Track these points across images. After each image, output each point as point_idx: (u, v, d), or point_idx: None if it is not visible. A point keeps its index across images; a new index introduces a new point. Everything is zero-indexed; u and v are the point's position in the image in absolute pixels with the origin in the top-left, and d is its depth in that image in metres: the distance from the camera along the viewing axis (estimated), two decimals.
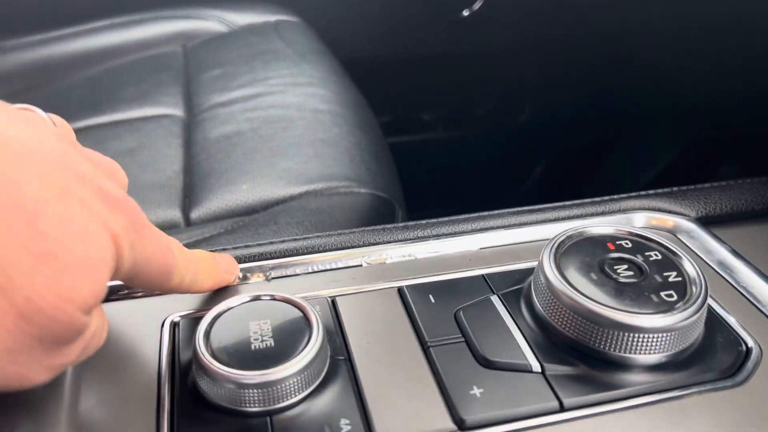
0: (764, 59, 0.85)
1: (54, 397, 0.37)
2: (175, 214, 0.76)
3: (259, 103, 0.98)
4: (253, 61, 1.10)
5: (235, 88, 1.03)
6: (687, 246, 0.52)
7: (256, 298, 0.40)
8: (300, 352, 0.36)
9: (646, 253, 0.43)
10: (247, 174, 0.81)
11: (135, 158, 0.88)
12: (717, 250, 0.51)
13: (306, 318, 0.39)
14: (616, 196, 0.57)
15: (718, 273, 0.48)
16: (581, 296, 0.40)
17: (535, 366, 0.40)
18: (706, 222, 0.54)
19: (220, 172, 0.82)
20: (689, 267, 0.42)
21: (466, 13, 1.64)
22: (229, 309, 0.39)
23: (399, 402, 0.38)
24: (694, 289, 0.41)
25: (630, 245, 0.44)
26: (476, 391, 0.38)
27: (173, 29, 1.27)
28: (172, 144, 0.91)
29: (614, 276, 0.41)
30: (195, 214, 0.77)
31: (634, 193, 0.57)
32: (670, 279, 0.41)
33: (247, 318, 0.39)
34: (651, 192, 0.57)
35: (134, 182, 0.83)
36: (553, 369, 0.40)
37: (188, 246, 0.45)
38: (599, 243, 0.44)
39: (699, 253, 0.51)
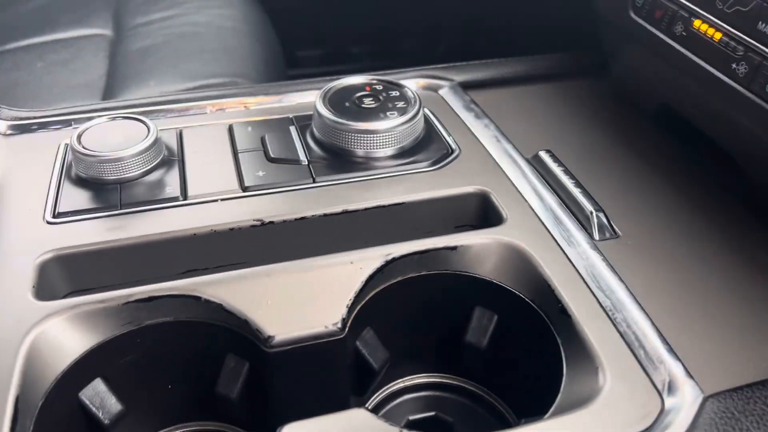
0: None
1: None
2: None
3: (174, 22, 1.16)
4: None
5: (156, 11, 1.22)
6: (444, 100, 0.73)
7: (114, 119, 0.60)
8: (140, 142, 0.57)
9: (389, 92, 0.65)
10: (156, 74, 1.00)
11: (67, 67, 1.07)
12: (460, 99, 0.72)
13: (147, 127, 0.59)
14: (420, 67, 0.78)
15: (455, 112, 0.70)
16: (333, 115, 0.61)
17: (303, 160, 0.61)
18: (466, 86, 0.75)
19: (134, 74, 1.02)
20: (411, 96, 0.63)
21: None
22: (97, 124, 0.60)
23: (208, 179, 0.59)
24: (410, 109, 0.62)
25: (380, 88, 0.65)
26: (261, 173, 0.60)
27: None
28: (99, 56, 1.10)
29: (360, 105, 0.63)
30: None
31: (428, 66, 0.78)
32: (398, 104, 0.63)
33: (111, 126, 0.59)
34: (439, 66, 0.78)
35: (66, 84, 1.03)
36: (316, 162, 0.61)
37: None
38: (359, 88, 0.65)
39: (450, 103, 0.72)
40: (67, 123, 0.67)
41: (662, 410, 0.41)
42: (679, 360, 0.44)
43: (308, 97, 0.72)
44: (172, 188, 0.58)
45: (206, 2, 1.23)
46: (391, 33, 2.02)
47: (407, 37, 2.02)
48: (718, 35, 0.53)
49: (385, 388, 0.59)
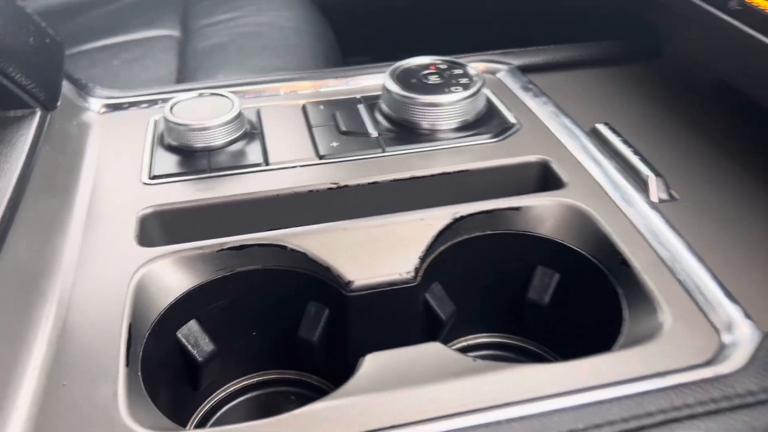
0: None
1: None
2: None
3: (237, 23, 1.23)
4: None
5: (221, 12, 1.29)
6: (502, 82, 0.77)
7: (201, 94, 0.66)
8: (225, 114, 0.62)
9: (453, 70, 0.69)
10: (223, 70, 1.07)
11: (140, 63, 1.14)
12: (518, 81, 0.76)
13: (231, 102, 0.65)
14: (478, 53, 0.82)
15: (513, 92, 0.73)
16: (401, 89, 0.65)
17: (373, 133, 0.66)
18: (524, 69, 0.79)
19: (203, 69, 1.08)
20: (473, 73, 0.67)
21: None
22: (187, 99, 0.65)
23: (286, 148, 0.64)
24: (473, 85, 0.66)
25: (445, 67, 0.69)
26: (334, 143, 0.64)
27: None
28: (169, 54, 1.17)
29: (426, 81, 0.67)
30: None
31: (489, 52, 0.82)
32: (461, 81, 0.67)
33: (199, 101, 0.65)
34: (498, 51, 0.82)
35: (140, 78, 1.10)
36: (384, 134, 0.66)
37: None
38: (425, 67, 0.70)
39: (508, 85, 0.76)
40: (154, 102, 0.73)
41: (721, 345, 0.44)
42: (738, 303, 0.46)
43: (374, 80, 0.77)
44: (255, 156, 0.63)
45: (267, 4, 1.30)
46: (443, 44, 2.06)
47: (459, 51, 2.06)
48: None
49: (449, 345, 0.62)
